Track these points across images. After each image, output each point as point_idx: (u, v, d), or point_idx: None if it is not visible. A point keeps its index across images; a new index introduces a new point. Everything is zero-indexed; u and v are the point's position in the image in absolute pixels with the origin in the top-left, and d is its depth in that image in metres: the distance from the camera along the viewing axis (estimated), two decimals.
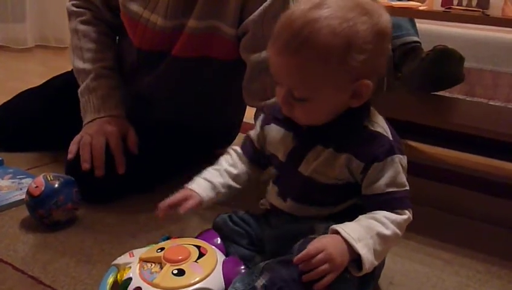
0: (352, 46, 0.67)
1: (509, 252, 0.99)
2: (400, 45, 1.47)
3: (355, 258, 0.69)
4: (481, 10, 1.06)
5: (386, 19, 0.71)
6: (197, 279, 0.72)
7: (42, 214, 0.93)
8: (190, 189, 0.82)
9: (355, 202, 0.77)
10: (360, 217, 0.73)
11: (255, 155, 0.87)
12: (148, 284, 0.71)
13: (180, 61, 1.09)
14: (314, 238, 0.71)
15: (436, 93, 1.49)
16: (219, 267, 0.75)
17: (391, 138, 0.74)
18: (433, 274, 0.91)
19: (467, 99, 1.57)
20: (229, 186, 0.85)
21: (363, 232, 0.70)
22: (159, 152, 1.11)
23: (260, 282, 0.68)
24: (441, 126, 1.25)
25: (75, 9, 1.22)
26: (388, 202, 0.73)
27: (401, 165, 0.74)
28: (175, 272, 0.73)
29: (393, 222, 0.72)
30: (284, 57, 0.69)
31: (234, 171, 0.86)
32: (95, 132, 1.05)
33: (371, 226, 0.71)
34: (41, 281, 0.80)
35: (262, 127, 0.85)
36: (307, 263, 0.67)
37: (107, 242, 0.92)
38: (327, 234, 0.71)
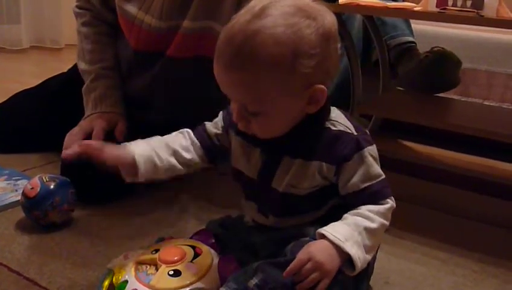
0: (299, 53, 0.65)
1: (505, 252, 0.99)
2: (395, 45, 1.48)
3: (347, 258, 0.68)
4: (476, 11, 1.06)
5: (330, 19, 0.69)
6: (193, 279, 0.72)
7: (38, 216, 0.93)
8: (130, 153, 0.78)
9: (337, 202, 0.76)
10: (345, 215, 0.72)
11: (212, 149, 0.83)
12: (145, 286, 0.71)
13: (176, 62, 1.09)
14: (306, 240, 0.70)
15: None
16: (214, 266, 0.75)
17: (355, 133, 0.73)
18: (429, 274, 0.91)
19: (462, 99, 1.57)
20: (173, 167, 0.80)
21: (350, 231, 0.69)
22: None
23: (253, 282, 0.68)
24: (436, 126, 1.25)
25: (78, 10, 1.23)
26: (367, 197, 0.72)
27: (372, 156, 0.73)
28: (171, 273, 0.73)
29: (377, 213, 0.71)
30: (229, 74, 0.67)
31: (186, 155, 0.81)
32: (84, 122, 1.08)
33: (357, 222, 0.70)
34: (37, 282, 0.80)
35: (226, 130, 0.81)
36: (297, 275, 0.66)
37: (103, 244, 0.92)
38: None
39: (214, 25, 1.04)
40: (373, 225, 0.71)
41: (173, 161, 0.80)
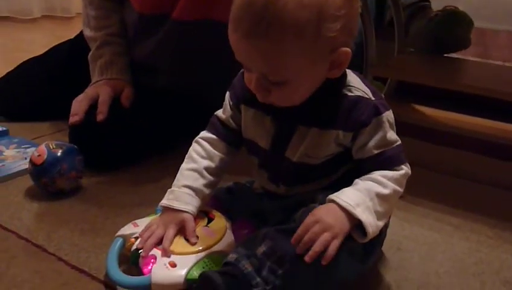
0: (324, 16, 0.61)
1: None
2: (409, 4, 1.42)
3: (358, 224, 0.66)
4: None
5: None
6: (211, 243, 0.72)
7: (46, 183, 0.93)
8: (178, 210, 0.74)
9: (350, 167, 0.74)
10: (357, 180, 0.70)
11: (232, 137, 0.80)
12: (162, 251, 0.70)
13: (181, 25, 1.06)
14: (315, 207, 0.69)
15: (448, 55, 1.44)
16: (229, 230, 0.75)
17: (373, 98, 0.70)
18: (443, 240, 0.89)
19: (482, 61, 1.51)
20: (213, 184, 0.78)
21: (361, 196, 0.67)
22: (162, 119, 1.10)
23: (261, 249, 0.66)
24: (452, 88, 1.21)
25: None
26: (382, 163, 0.70)
27: (389, 122, 0.70)
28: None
29: (390, 179, 0.69)
30: (251, 41, 0.62)
31: (213, 164, 0.78)
32: (90, 89, 1.07)
33: (369, 187, 0.68)
34: (45, 249, 0.80)
35: (236, 106, 0.78)
36: (305, 240, 0.64)
37: (111, 211, 0.92)
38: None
39: None
40: (385, 191, 0.68)
41: (208, 181, 0.77)
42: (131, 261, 0.73)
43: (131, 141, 1.05)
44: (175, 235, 0.74)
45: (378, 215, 0.68)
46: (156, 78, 1.13)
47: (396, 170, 0.70)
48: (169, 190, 0.77)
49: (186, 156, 0.80)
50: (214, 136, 0.80)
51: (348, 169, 0.74)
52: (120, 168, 1.06)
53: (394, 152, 0.71)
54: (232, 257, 0.67)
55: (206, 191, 0.77)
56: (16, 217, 0.89)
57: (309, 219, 0.66)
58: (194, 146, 0.80)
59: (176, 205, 0.74)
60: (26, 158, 1.07)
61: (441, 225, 0.93)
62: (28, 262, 0.77)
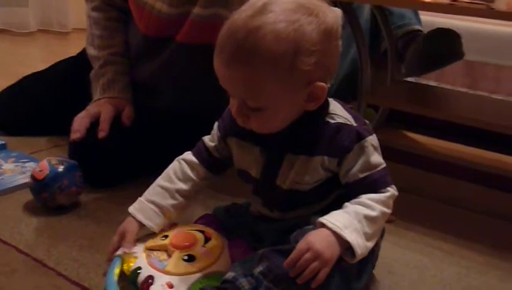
0: (300, 49, 0.65)
1: (510, 245, 0.99)
2: (403, 34, 1.46)
3: (347, 246, 0.69)
4: (486, 3, 1.05)
5: (332, 16, 0.69)
6: (209, 263, 0.73)
7: (46, 198, 0.94)
8: (132, 220, 0.79)
9: (342, 191, 0.77)
10: (346, 204, 0.73)
11: (214, 164, 0.83)
12: (160, 272, 0.71)
13: (185, 48, 1.09)
14: (309, 229, 0.71)
15: (438, 85, 1.49)
16: (226, 250, 0.76)
17: (355, 124, 0.73)
18: (433, 265, 0.91)
19: (469, 92, 1.57)
20: (180, 205, 0.82)
21: (349, 219, 0.70)
22: (162, 137, 1.12)
23: (258, 269, 0.69)
24: (443, 118, 1.25)
25: None
26: (368, 186, 0.73)
27: (373, 146, 0.73)
28: (185, 258, 0.73)
29: (377, 201, 0.72)
30: (231, 69, 0.67)
31: (185, 187, 0.81)
32: (91, 107, 1.09)
33: (357, 210, 0.71)
34: (45, 263, 0.81)
35: (223, 138, 0.81)
36: (298, 265, 0.67)
37: (109, 227, 0.92)
38: None
39: (225, 13, 1.03)
40: (373, 213, 0.71)
41: (177, 202, 0.81)
42: (130, 280, 0.73)
43: (131, 159, 1.06)
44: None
45: (367, 237, 0.70)
46: (157, 98, 1.16)
47: (382, 192, 0.73)
48: (139, 198, 0.82)
49: (164, 171, 0.83)
50: (196, 161, 0.83)
51: (340, 194, 0.77)
52: (119, 185, 1.07)
53: (379, 175, 0.73)
54: (229, 275, 0.69)
55: (173, 210, 0.81)
56: (15, 231, 0.89)
57: (302, 245, 0.68)
58: (174, 165, 0.84)
59: (139, 217, 0.79)
60: (24, 172, 1.08)
61: (431, 250, 0.96)
62: (28, 276, 0.78)
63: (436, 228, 1.03)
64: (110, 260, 0.77)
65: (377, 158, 0.74)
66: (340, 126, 0.73)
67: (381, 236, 0.80)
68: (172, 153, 1.12)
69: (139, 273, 0.72)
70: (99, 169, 1.03)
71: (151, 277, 0.71)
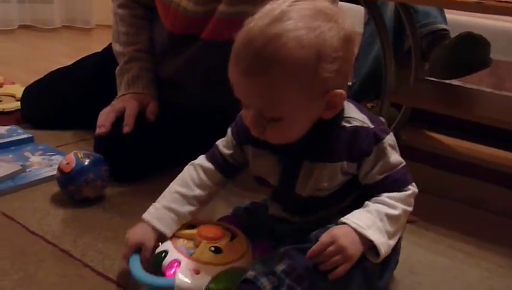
0: (322, 56, 0.63)
1: None
2: (427, 33, 1.44)
3: (371, 245, 0.69)
4: None
5: (349, 22, 0.67)
6: (235, 258, 0.74)
7: (72, 190, 0.96)
8: (149, 228, 0.77)
9: (361, 192, 0.77)
10: (367, 202, 0.72)
11: (228, 169, 0.81)
12: (187, 258, 0.72)
13: (210, 45, 1.10)
14: (331, 227, 0.71)
15: (463, 85, 1.47)
16: (249, 249, 0.77)
17: (372, 126, 0.72)
18: (454, 266, 0.91)
19: (495, 92, 1.54)
20: (197, 211, 0.80)
21: (371, 218, 0.70)
22: (185, 133, 1.14)
23: (280, 267, 0.68)
24: (466, 118, 1.24)
25: None
26: (388, 186, 0.72)
27: (390, 145, 0.72)
28: (212, 249, 0.74)
29: (398, 200, 0.72)
30: (248, 78, 0.64)
31: (203, 192, 0.80)
32: (117, 102, 1.11)
33: (379, 209, 0.71)
34: (72, 254, 0.83)
35: (239, 146, 0.79)
36: (319, 257, 0.67)
37: (133, 220, 0.92)
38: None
39: (251, 10, 1.03)
40: (395, 212, 0.71)
41: (194, 208, 0.79)
42: (154, 262, 0.74)
43: (155, 153, 1.08)
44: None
45: (389, 235, 0.70)
46: (182, 94, 1.17)
47: (403, 191, 0.73)
48: (154, 205, 0.79)
49: (179, 176, 0.81)
50: (211, 167, 0.81)
51: (359, 194, 0.77)
52: (143, 179, 1.09)
53: (399, 175, 0.73)
54: (250, 274, 0.69)
55: (189, 217, 0.79)
56: (43, 223, 0.92)
57: (325, 238, 0.68)
58: (190, 170, 0.81)
59: (156, 224, 0.76)
60: (51, 165, 1.11)
61: (453, 252, 0.95)
62: (55, 266, 0.80)
63: (457, 229, 1.02)
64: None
65: (396, 158, 0.73)
66: (357, 129, 0.71)
67: (401, 238, 0.80)
68: (195, 148, 1.14)
69: (164, 256, 0.73)
70: (124, 163, 1.05)
71: (177, 261, 0.72)
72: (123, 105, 1.10)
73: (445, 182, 1.24)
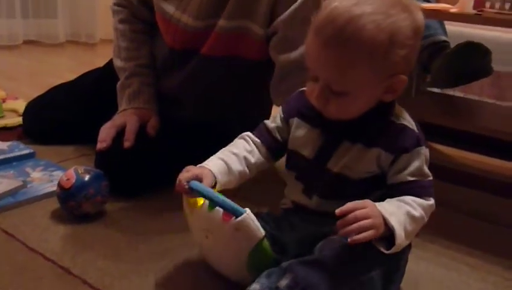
0: (394, 41, 0.70)
1: None
2: (428, 45, 1.44)
3: (387, 234, 0.70)
4: None
5: (421, 16, 0.74)
6: None
7: (72, 206, 0.96)
8: (206, 167, 0.79)
9: (379, 195, 0.78)
10: (389, 199, 0.74)
11: (274, 145, 0.86)
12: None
13: (210, 60, 1.10)
14: (335, 239, 0.71)
15: (464, 96, 1.46)
16: None
17: (417, 131, 0.76)
18: (459, 279, 0.90)
19: (497, 103, 1.54)
20: (243, 174, 0.83)
21: (395, 209, 0.72)
22: (185, 147, 1.13)
23: (283, 282, 0.68)
24: (469, 129, 1.23)
25: (115, 8, 1.26)
26: (413, 190, 0.75)
27: (426, 157, 0.76)
28: None
29: (420, 204, 0.74)
30: (327, 50, 0.71)
31: (252, 159, 0.84)
32: (118, 118, 1.11)
33: (402, 205, 0.73)
34: (71, 271, 0.83)
35: (286, 120, 0.85)
36: (349, 217, 0.68)
37: (134, 237, 0.94)
38: None
39: (250, 25, 1.05)
40: (415, 213, 0.73)
41: (243, 168, 0.82)
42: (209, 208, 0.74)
43: (155, 169, 1.08)
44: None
45: (406, 233, 0.71)
46: (183, 109, 1.17)
47: (425, 199, 0.75)
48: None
49: (231, 144, 0.86)
50: (258, 140, 0.86)
51: (379, 196, 0.77)
52: (144, 194, 1.08)
53: (426, 184, 0.76)
54: (254, 287, 0.69)
55: (237, 175, 0.81)
56: (42, 239, 0.91)
57: (358, 203, 0.69)
58: (241, 140, 0.86)
59: (213, 168, 0.79)
60: (52, 181, 1.10)
61: (457, 265, 0.94)
62: (54, 284, 0.79)
63: (461, 242, 1.01)
64: (185, 191, 0.75)
65: (427, 169, 0.76)
66: (405, 128, 0.76)
67: (409, 249, 0.80)
68: (196, 163, 1.14)
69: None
70: (125, 178, 1.05)
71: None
72: (124, 120, 1.10)
73: (450, 194, 1.23)
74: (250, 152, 0.84)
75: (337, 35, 0.69)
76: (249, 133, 0.87)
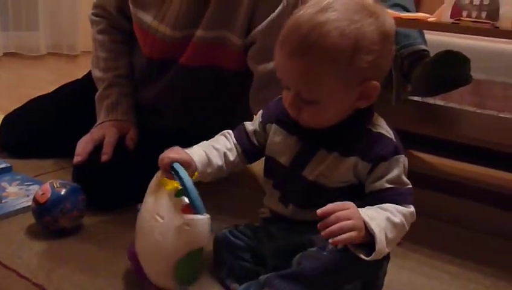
0: (359, 47, 0.69)
1: None
2: (408, 54, 1.46)
3: (366, 241, 0.68)
4: (490, 22, 1.05)
5: (390, 21, 0.73)
6: None
7: (48, 221, 0.94)
8: (191, 156, 0.79)
9: (357, 205, 0.76)
10: (368, 207, 0.72)
11: (250, 148, 0.86)
12: None
13: (188, 70, 1.09)
14: (313, 251, 0.71)
15: (445, 104, 1.47)
16: None
17: (394, 140, 0.76)
18: (440, 288, 0.90)
19: (477, 111, 1.55)
20: (221, 171, 0.83)
21: (375, 215, 0.70)
22: None
23: None
24: (449, 138, 1.24)
25: (94, 18, 1.25)
26: (392, 197, 0.73)
27: (404, 166, 0.75)
28: None
29: (400, 211, 0.72)
30: (293, 60, 0.71)
31: (231, 157, 0.84)
32: (96, 130, 1.10)
33: (381, 212, 0.71)
34: (45, 288, 0.80)
35: (263, 125, 0.85)
36: (330, 218, 0.66)
37: (112, 250, 0.92)
38: (326, 245, 0.70)
39: (228, 35, 1.05)
40: (395, 219, 0.71)
41: (221, 164, 0.83)
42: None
43: (134, 182, 1.06)
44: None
45: (387, 240, 0.69)
46: (161, 120, 1.16)
47: (405, 207, 0.73)
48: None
49: (212, 139, 0.86)
50: (236, 141, 0.86)
51: (357, 206, 0.75)
52: (122, 207, 1.06)
53: (405, 191, 0.75)
54: None
55: (214, 169, 0.81)
56: (16, 255, 0.89)
57: (339, 204, 0.68)
58: (221, 137, 0.86)
59: (194, 156, 0.79)
60: (28, 195, 1.08)
61: (438, 273, 0.94)
62: None
63: (443, 250, 1.01)
64: (165, 168, 0.76)
65: (405, 178, 0.75)
66: (381, 136, 0.75)
67: (388, 260, 0.79)
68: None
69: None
70: (103, 192, 1.03)
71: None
72: (102, 133, 1.09)
73: (431, 201, 1.24)
74: (230, 150, 0.85)
75: (301, 43, 0.69)
76: (230, 131, 0.87)
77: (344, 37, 0.68)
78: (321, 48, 0.68)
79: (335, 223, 0.66)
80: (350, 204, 0.69)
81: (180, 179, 0.73)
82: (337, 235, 0.66)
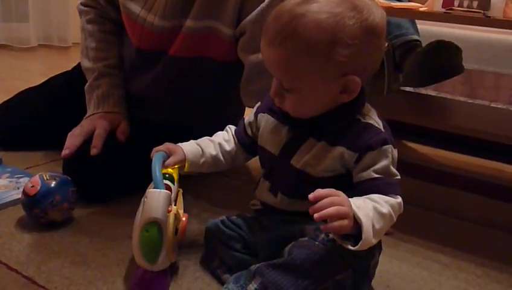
0: (337, 40, 0.68)
1: (509, 256, 0.98)
2: (400, 44, 1.46)
3: (352, 231, 0.67)
4: (482, 12, 1.04)
5: (378, 15, 0.71)
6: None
7: (38, 214, 0.93)
8: (179, 146, 0.85)
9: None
10: (355, 197, 0.71)
11: (244, 139, 0.88)
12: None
13: (178, 61, 1.08)
14: (304, 241, 0.71)
15: (437, 95, 1.48)
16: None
17: (383, 130, 0.75)
18: (431, 278, 0.90)
19: (469, 101, 1.55)
20: (217, 160, 0.87)
21: (363, 204, 0.69)
22: None
23: (252, 286, 0.68)
24: (441, 128, 1.24)
25: (82, 8, 1.24)
26: (379, 187, 0.72)
27: (393, 157, 0.74)
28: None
29: (387, 202, 0.71)
30: (271, 49, 0.71)
31: (227, 147, 0.87)
32: (86, 123, 1.08)
33: (368, 201, 0.70)
34: (35, 281, 0.80)
35: (256, 115, 0.86)
36: (321, 203, 0.65)
37: (102, 243, 0.92)
38: (317, 235, 0.70)
39: (218, 25, 1.04)
40: (383, 209, 0.70)
41: (216, 153, 0.86)
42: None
43: (125, 174, 1.06)
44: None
45: (374, 230, 0.68)
46: (151, 111, 1.15)
47: (392, 197, 0.72)
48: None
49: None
50: (233, 133, 0.90)
51: None
52: (113, 200, 1.06)
53: (393, 181, 0.74)
54: None
55: (209, 159, 0.86)
56: (6, 248, 0.88)
57: (331, 190, 0.67)
58: (222, 131, 0.91)
59: (185, 148, 0.85)
60: (18, 188, 1.07)
61: (429, 263, 0.94)
62: None
63: (434, 240, 1.01)
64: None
65: (394, 169, 0.74)
66: (369, 126, 0.74)
67: (380, 251, 0.79)
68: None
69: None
70: (93, 185, 1.03)
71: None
72: (93, 125, 1.08)
73: (421, 191, 1.24)
74: (227, 141, 0.88)
75: (279, 33, 0.70)
76: (231, 126, 0.91)
77: (321, 29, 0.68)
78: (297, 39, 0.68)
79: (328, 206, 0.65)
80: (339, 192, 0.68)
81: (150, 161, 0.79)
82: (333, 219, 0.65)
